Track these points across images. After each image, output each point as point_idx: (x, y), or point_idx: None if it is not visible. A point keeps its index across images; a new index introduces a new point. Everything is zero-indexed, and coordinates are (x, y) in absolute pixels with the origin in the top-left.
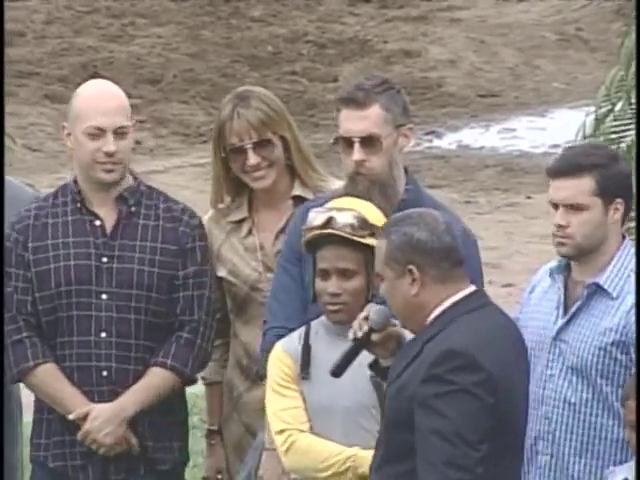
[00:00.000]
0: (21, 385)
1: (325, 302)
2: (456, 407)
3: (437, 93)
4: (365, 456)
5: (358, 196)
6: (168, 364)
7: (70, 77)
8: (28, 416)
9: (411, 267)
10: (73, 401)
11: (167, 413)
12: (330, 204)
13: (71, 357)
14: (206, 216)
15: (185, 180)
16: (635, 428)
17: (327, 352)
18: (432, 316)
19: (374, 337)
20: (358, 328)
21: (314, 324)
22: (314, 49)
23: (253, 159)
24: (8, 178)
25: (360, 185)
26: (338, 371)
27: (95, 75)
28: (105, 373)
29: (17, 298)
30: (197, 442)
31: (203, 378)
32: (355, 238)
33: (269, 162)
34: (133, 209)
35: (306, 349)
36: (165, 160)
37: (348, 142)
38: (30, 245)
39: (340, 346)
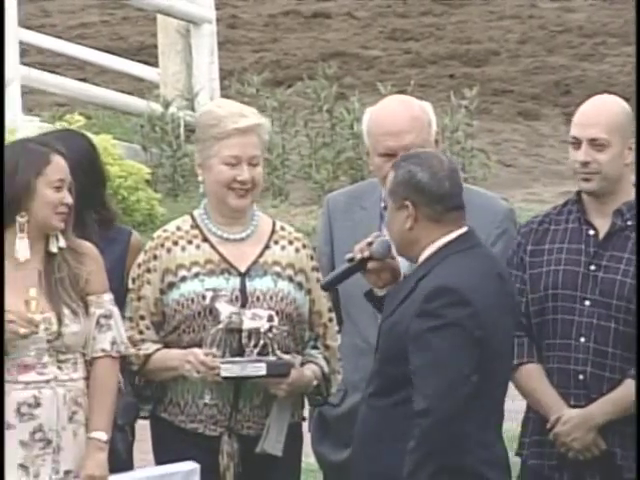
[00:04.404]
0: None
1: None
2: (448, 340)
3: None
4: None
5: None
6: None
7: (542, 95)
8: None
9: (407, 203)
10: (550, 402)
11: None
12: None
13: (552, 359)
14: None
15: None
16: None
17: None
18: (425, 254)
19: (370, 265)
20: (359, 251)
21: None
22: None
23: None
24: (480, 190)
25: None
26: (327, 286)
27: (567, 93)
28: (581, 377)
29: None
30: None
31: None
32: None
33: None
34: (629, 222)
35: None
36: None
37: None
38: (529, 248)
39: None
